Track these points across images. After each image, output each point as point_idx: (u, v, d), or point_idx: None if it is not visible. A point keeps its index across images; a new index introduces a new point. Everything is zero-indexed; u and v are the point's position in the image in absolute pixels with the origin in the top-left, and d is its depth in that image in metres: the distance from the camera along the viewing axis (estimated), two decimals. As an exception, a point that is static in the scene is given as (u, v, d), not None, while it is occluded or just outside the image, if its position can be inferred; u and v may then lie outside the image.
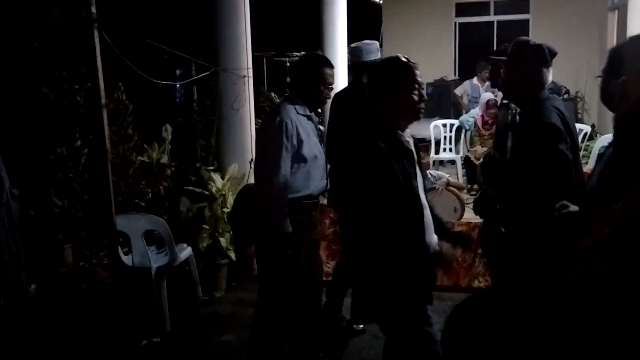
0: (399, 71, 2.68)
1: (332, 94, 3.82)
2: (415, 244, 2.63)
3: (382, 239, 2.57)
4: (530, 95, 3.02)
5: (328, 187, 3.70)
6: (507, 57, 3.15)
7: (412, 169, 2.66)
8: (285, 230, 3.36)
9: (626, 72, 1.72)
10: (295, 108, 3.48)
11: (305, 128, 3.48)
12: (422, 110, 2.71)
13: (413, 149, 2.73)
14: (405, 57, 2.73)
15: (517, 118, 3.61)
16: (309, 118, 3.56)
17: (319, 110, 4.30)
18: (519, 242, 3.08)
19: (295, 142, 3.40)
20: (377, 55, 4.30)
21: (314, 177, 3.53)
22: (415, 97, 2.66)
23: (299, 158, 3.43)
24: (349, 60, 4.56)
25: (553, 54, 3.07)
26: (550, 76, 3.09)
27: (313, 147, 3.50)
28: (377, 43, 4.37)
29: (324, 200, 4.78)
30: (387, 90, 2.66)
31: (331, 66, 3.61)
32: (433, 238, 2.80)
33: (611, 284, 1.37)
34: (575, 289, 1.49)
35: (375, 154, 2.56)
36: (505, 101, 3.85)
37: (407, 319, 2.67)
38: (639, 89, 1.40)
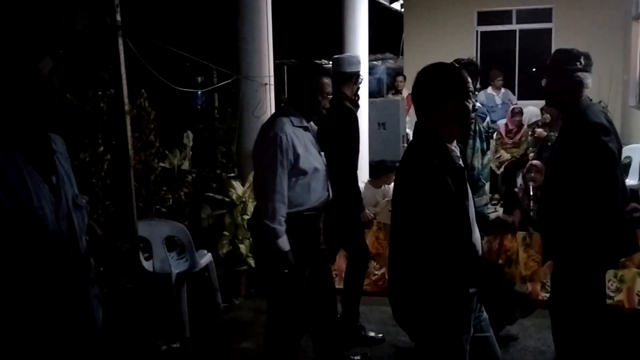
0: (452, 77, 2.47)
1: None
2: (462, 268, 2.45)
3: (432, 261, 2.41)
4: (573, 100, 3.16)
5: (330, 197, 3.59)
6: (550, 65, 3.32)
7: (465, 188, 2.48)
8: (282, 249, 3.30)
9: None
10: (290, 120, 3.39)
11: (302, 140, 3.38)
12: (473, 121, 2.60)
13: (462, 164, 2.54)
14: (457, 65, 2.62)
15: None
16: (306, 129, 3.46)
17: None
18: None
19: (291, 157, 3.31)
20: (358, 68, 4.40)
21: (315, 189, 3.45)
22: (469, 105, 2.47)
23: (297, 172, 3.34)
24: (331, 70, 4.59)
25: (591, 62, 3.23)
26: (590, 82, 3.24)
27: (312, 160, 3.41)
28: (360, 57, 4.64)
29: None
30: (437, 99, 2.45)
31: (328, 75, 3.54)
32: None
33: None
34: None
35: (429, 171, 2.37)
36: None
37: (444, 349, 2.52)
38: None
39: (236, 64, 5.48)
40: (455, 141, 2.55)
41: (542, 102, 10.36)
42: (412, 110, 10.65)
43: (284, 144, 3.28)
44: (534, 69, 3.78)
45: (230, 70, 5.59)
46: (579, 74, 3.17)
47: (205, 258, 4.88)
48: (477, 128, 3.90)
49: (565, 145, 3.17)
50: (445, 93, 2.43)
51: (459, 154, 2.53)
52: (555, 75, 3.25)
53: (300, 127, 3.42)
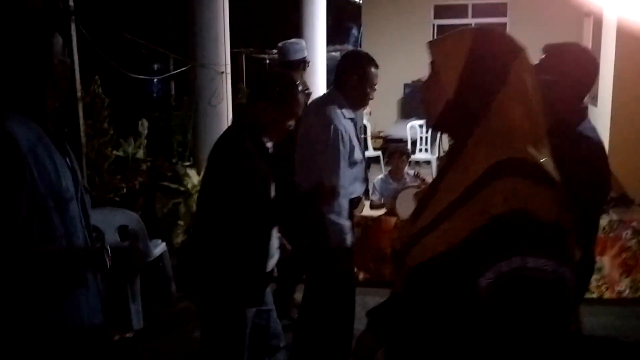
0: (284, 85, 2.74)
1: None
2: (258, 247, 2.70)
3: (230, 234, 2.64)
4: None
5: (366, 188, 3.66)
6: None
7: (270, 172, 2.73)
8: (348, 245, 3.34)
9: None
10: (342, 112, 3.32)
11: (351, 132, 3.34)
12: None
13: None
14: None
15: None
16: (352, 120, 3.41)
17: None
18: None
19: (348, 149, 3.28)
20: (304, 54, 4.35)
21: (360, 179, 3.47)
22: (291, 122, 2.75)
23: (350, 164, 3.32)
24: (277, 59, 4.58)
25: None
26: None
27: (359, 151, 3.40)
28: (303, 42, 4.47)
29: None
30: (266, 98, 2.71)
31: (377, 65, 3.41)
32: (275, 242, 2.86)
33: (447, 260, 1.34)
34: (415, 273, 1.45)
35: (241, 153, 2.62)
36: None
37: (225, 319, 2.75)
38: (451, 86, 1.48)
39: (192, 51, 5.44)
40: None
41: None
42: (371, 101, 10.75)
43: (344, 137, 3.24)
44: None
45: (186, 58, 5.54)
46: None
47: (159, 248, 4.84)
48: None
49: None
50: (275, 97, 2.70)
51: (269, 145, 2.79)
52: None
53: (349, 118, 3.37)
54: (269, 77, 2.93)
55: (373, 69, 3.35)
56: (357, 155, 3.37)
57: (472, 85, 1.41)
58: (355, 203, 3.56)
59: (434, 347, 1.42)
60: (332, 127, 3.22)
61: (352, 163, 3.33)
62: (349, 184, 3.36)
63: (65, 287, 1.98)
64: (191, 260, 2.83)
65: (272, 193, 2.75)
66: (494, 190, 1.31)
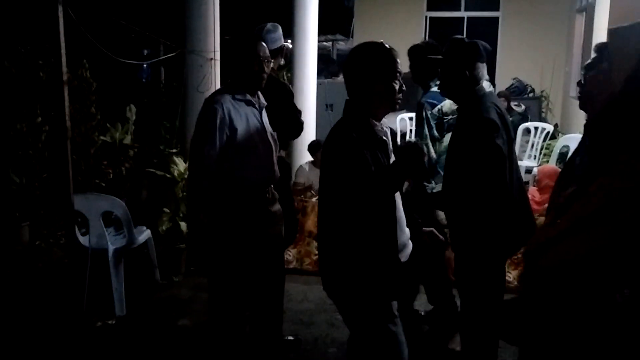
0: (381, 58, 2.59)
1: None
2: (385, 237, 2.60)
3: (353, 230, 2.55)
4: (467, 91, 3.11)
5: (278, 176, 3.52)
6: (443, 55, 3.25)
7: (386, 160, 2.62)
8: (199, 221, 3.29)
9: (609, 60, 1.64)
10: (232, 94, 3.29)
11: (242, 115, 3.28)
12: (399, 101, 2.65)
13: (388, 139, 2.68)
14: (387, 45, 2.64)
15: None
16: (248, 103, 3.33)
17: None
18: (461, 236, 3.17)
19: (227, 132, 3.22)
20: (282, 42, 4.22)
21: (257, 166, 3.35)
22: (396, 87, 2.60)
23: (236, 147, 3.24)
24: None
25: (487, 51, 3.16)
26: (485, 71, 3.19)
27: (253, 135, 3.31)
28: (279, 28, 4.28)
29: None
30: (365, 78, 2.58)
31: (262, 42, 3.40)
32: (405, 233, 2.79)
33: (588, 268, 1.29)
34: (548, 275, 1.39)
35: (347, 143, 2.51)
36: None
37: (371, 315, 2.65)
38: (622, 75, 1.32)
39: (182, 37, 5.39)
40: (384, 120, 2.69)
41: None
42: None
43: (221, 118, 3.19)
44: (436, 58, 3.60)
45: (176, 44, 5.49)
46: (473, 64, 3.12)
47: (144, 234, 4.82)
48: (425, 115, 3.92)
49: (458, 139, 3.20)
50: (374, 74, 2.57)
51: (385, 130, 2.67)
52: (448, 66, 3.20)
53: (242, 100, 3.30)
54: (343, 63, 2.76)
55: (259, 46, 3.34)
56: (247, 138, 3.31)
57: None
58: (263, 194, 3.48)
59: (566, 348, 1.36)
60: (209, 107, 3.25)
61: (239, 147, 3.28)
62: (240, 170, 3.33)
63: None
64: (329, 262, 2.70)
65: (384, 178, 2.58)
66: None
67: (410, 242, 2.82)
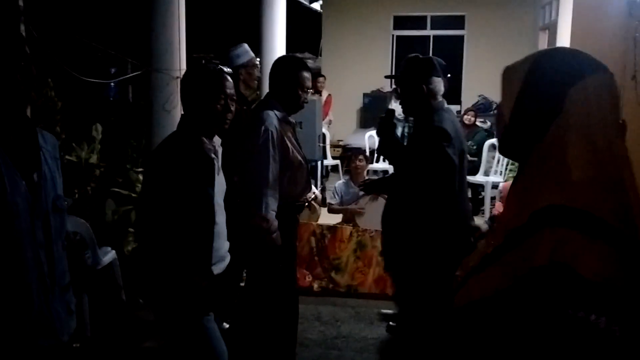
0: (207, 80, 2.69)
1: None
2: (198, 250, 2.64)
3: (164, 241, 2.58)
4: (424, 104, 3.21)
5: (312, 190, 3.70)
6: (401, 73, 3.36)
7: (212, 177, 2.69)
8: (277, 243, 3.37)
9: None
10: (276, 114, 3.43)
11: (287, 134, 3.46)
12: (227, 121, 2.72)
13: (217, 158, 2.76)
14: (215, 66, 2.75)
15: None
16: (288, 123, 3.53)
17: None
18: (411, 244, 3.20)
19: (279, 150, 3.36)
20: (249, 56, 4.37)
21: (299, 183, 3.53)
22: (220, 108, 2.68)
23: (285, 166, 3.40)
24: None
25: (442, 66, 3.27)
26: (442, 86, 3.29)
27: (296, 153, 3.48)
28: (245, 45, 4.42)
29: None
30: (193, 96, 2.69)
31: (308, 69, 3.57)
32: (224, 246, 2.84)
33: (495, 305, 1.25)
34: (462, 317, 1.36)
35: (170, 158, 2.60)
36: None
37: (186, 328, 2.68)
38: (507, 112, 1.38)
39: (148, 56, 5.35)
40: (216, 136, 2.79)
41: (457, 107, 10.70)
42: (330, 111, 10.78)
43: (275, 139, 3.32)
44: (393, 76, 3.71)
45: (143, 62, 5.45)
46: (428, 78, 3.22)
47: (109, 255, 4.74)
48: (403, 132, 4.01)
49: (410, 149, 3.26)
50: (199, 94, 2.67)
51: (217, 149, 2.77)
52: (406, 82, 3.30)
53: (284, 121, 3.47)
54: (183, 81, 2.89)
55: (304, 73, 3.49)
56: (295, 157, 3.44)
57: (524, 112, 1.32)
58: (298, 208, 3.62)
59: None
60: (262, 128, 3.33)
61: (288, 165, 3.41)
62: (287, 186, 3.44)
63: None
64: (140, 270, 2.77)
65: (213, 193, 2.69)
66: (541, 239, 1.19)
67: (228, 254, 2.89)
